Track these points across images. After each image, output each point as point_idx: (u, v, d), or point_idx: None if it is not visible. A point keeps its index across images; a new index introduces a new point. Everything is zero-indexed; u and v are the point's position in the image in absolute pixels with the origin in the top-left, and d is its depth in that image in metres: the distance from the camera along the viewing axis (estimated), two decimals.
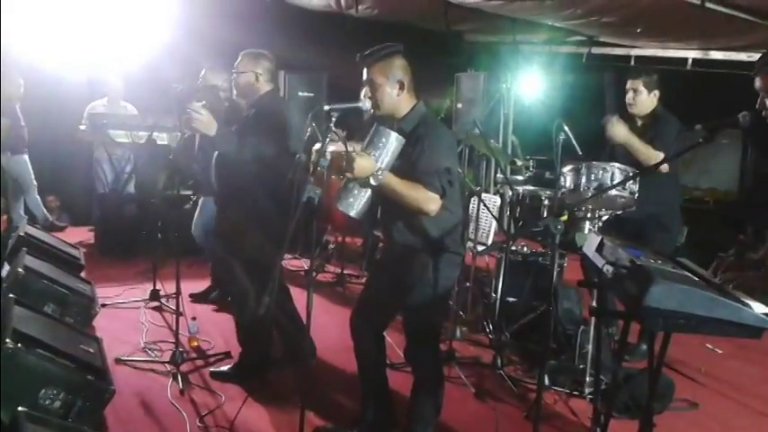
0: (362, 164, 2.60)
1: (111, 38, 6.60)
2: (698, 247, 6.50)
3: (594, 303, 2.79)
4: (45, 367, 2.89)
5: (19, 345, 2.84)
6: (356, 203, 2.73)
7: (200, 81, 5.50)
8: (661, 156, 3.67)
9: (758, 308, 2.07)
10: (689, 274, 2.25)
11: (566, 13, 5.73)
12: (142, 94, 7.26)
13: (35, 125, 6.98)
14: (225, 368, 3.89)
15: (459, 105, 7.43)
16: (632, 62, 7.12)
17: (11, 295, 3.38)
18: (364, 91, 6.00)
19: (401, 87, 2.82)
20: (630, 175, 3.50)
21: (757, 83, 2.28)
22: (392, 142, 2.68)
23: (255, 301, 3.62)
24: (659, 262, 2.31)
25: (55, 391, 2.87)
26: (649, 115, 4.05)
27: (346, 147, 2.60)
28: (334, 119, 2.81)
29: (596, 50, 7.37)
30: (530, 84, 7.97)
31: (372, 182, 2.64)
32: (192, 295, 5.19)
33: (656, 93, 4.03)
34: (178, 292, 3.97)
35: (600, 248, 2.63)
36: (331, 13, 7.13)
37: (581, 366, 3.88)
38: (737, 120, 2.35)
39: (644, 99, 4.02)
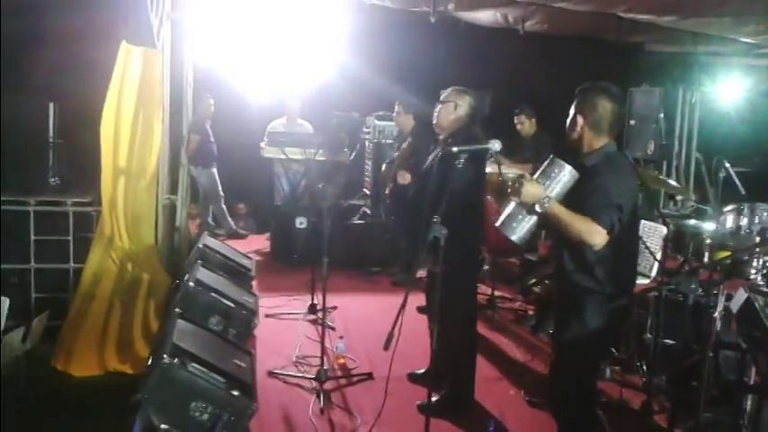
0: (530, 190, 2.66)
1: (290, 62, 7.06)
2: None
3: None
4: (196, 382, 3.17)
5: (175, 360, 3.16)
6: (519, 228, 2.76)
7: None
8: None
9: None
10: None
11: (747, 29, 5.20)
12: (316, 112, 7.73)
13: (224, 141, 7.72)
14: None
15: (632, 122, 6.99)
16: None
17: (177, 310, 3.77)
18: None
19: (592, 125, 2.79)
20: None
21: None
22: (565, 174, 2.70)
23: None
24: None
25: (204, 405, 3.15)
26: None
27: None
28: (462, 159, 2.87)
29: None
30: (718, 96, 7.32)
31: (538, 208, 2.67)
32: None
33: None
34: (324, 308, 4.26)
35: (744, 309, 2.39)
36: (498, 28, 7.07)
37: (741, 422, 3.51)
38: None
39: None
